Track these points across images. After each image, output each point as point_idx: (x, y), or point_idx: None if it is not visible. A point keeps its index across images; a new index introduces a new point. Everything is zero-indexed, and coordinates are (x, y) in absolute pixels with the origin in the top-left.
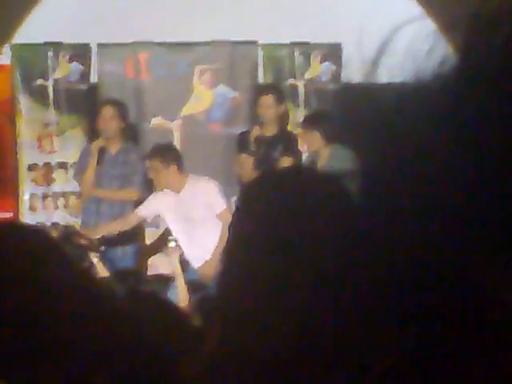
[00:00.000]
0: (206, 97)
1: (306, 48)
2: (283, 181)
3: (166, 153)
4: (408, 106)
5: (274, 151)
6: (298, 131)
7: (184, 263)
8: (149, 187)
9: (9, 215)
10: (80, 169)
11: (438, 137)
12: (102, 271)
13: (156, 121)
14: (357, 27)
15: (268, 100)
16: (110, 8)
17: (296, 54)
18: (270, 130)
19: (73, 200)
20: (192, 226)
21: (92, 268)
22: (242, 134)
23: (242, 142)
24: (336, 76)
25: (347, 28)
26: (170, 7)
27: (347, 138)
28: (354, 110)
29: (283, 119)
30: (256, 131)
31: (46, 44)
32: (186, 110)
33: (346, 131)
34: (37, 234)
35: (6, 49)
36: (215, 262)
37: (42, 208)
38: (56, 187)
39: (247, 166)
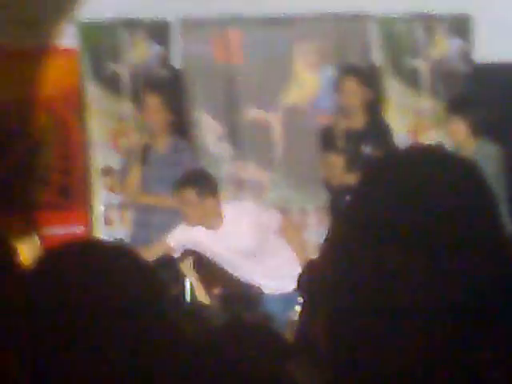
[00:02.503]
0: (310, 82)
1: (429, 21)
2: (410, 162)
3: (203, 182)
4: None
5: (366, 145)
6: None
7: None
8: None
9: (80, 230)
10: (122, 172)
11: None
12: (202, 296)
13: (251, 113)
14: None
15: (350, 84)
16: None
17: (417, 28)
18: (358, 122)
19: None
20: (254, 259)
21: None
22: (326, 129)
23: (326, 139)
24: (466, 54)
25: None
26: None
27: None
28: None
29: (373, 107)
30: (341, 124)
31: (118, 21)
32: (287, 99)
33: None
34: (122, 254)
35: (71, 28)
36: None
37: (119, 221)
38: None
39: (336, 167)
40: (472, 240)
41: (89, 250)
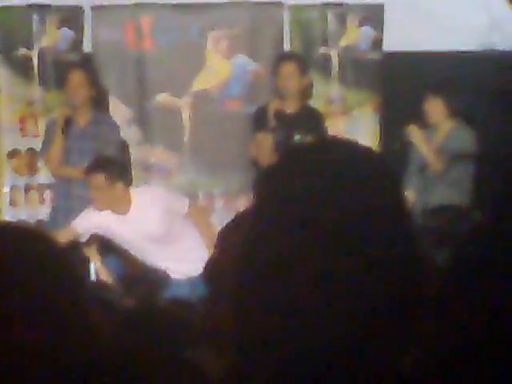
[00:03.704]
0: (221, 69)
1: (340, 9)
2: (317, 156)
3: (112, 167)
4: None
5: (296, 130)
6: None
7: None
8: (125, 161)
9: None
10: (44, 144)
11: None
12: (105, 276)
13: (162, 98)
14: None
15: (289, 69)
16: None
17: (329, 16)
18: (292, 106)
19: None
20: (161, 244)
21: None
22: (260, 109)
23: (259, 119)
24: (377, 43)
25: None
26: None
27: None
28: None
29: (306, 93)
30: (275, 105)
31: (30, 6)
32: (197, 85)
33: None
34: (35, 236)
35: None
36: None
37: (24, 202)
38: (41, 178)
39: (265, 146)
40: (379, 232)
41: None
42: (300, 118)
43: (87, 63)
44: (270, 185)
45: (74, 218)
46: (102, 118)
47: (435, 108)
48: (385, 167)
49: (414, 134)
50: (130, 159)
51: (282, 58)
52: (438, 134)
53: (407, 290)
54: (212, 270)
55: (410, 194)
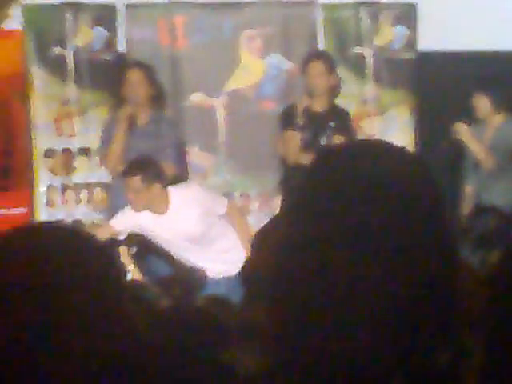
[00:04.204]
0: (255, 68)
1: (373, 8)
2: (351, 159)
3: (148, 169)
4: None
5: (325, 128)
6: None
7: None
8: (183, 162)
9: (22, 211)
10: (105, 142)
11: None
12: (139, 277)
13: (196, 97)
14: None
15: (318, 68)
16: None
17: (362, 15)
18: (320, 104)
19: (98, 193)
20: (199, 244)
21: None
22: (288, 107)
23: (287, 117)
24: (410, 42)
25: None
26: None
27: None
28: None
29: (335, 91)
30: (304, 103)
31: (63, 4)
32: (231, 84)
33: None
34: (74, 235)
35: (16, 11)
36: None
37: (61, 202)
38: (78, 177)
39: (294, 145)
40: (415, 237)
41: (36, 232)
42: (328, 117)
43: (144, 62)
44: (305, 188)
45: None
46: (161, 116)
47: (483, 104)
48: (420, 169)
49: (462, 131)
50: (186, 159)
51: (311, 56)
52: (488, 130)
53: (442, 299)
54: (248, 272)
55: (469, 190)
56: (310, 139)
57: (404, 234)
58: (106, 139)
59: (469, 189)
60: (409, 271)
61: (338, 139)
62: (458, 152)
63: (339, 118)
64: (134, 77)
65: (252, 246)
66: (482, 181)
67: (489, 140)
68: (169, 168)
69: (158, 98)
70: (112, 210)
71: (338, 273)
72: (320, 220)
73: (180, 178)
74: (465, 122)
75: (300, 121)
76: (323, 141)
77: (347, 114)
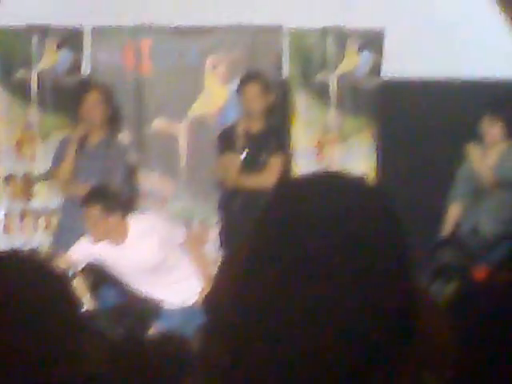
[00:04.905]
0: (219, 94)
1: (340, 34)
2: (315, 189)
3: (108, 198)
4: None
5: (263, 149)
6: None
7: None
8: (132, 185)
9: None
10: (55, 162)
11: None
12: (93, 307)
13: (159, 122)
14: (401, 9)
15: (253, 89)
16: None
17: (328, 41)
18: (257, 125)
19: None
20: (156, 273)
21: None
22: (225, 130)
23: (225, 140)
24: (376, 69)
25: (390, 11)
26: None
27: None
28: None
29: (271, 112)
30: (241, 125)
31: (29, 27)
32: (195, 110)
33: None
34: (31, 264)
35: None
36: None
37: (19, 229)
38: (37, 203)
39: (233, 167)
40: (373, 267)
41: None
42: (266, 137)
43: (102, 84)
44: (264, 220)
45: (79, 236)
46: (112, 140)
47: (494, 129)
48: (379, 199)
49: (473, 152)
50: (135, 186)
51: (246, 78)
52: (493, 153)
53: (401, 325)
54: (210, 301)
55: (456, 210)
56: (249, 160)
57: (362, 264)
58: (57, 159)
59: (457, 208)
60: (368, 302)
61: (275, 159)
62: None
63: (276, 138)
64: (91, 98)
65: (216, 274)
66: (478, 200)
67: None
68: (116, 190)
69: (113, 121)
70: (61, 231)
71: (297, 302)
72: (279, 250)
73: (128, 201)
74: (473, 142)
75: (238, 143)
76: (262, 161)
77: (285, 132)
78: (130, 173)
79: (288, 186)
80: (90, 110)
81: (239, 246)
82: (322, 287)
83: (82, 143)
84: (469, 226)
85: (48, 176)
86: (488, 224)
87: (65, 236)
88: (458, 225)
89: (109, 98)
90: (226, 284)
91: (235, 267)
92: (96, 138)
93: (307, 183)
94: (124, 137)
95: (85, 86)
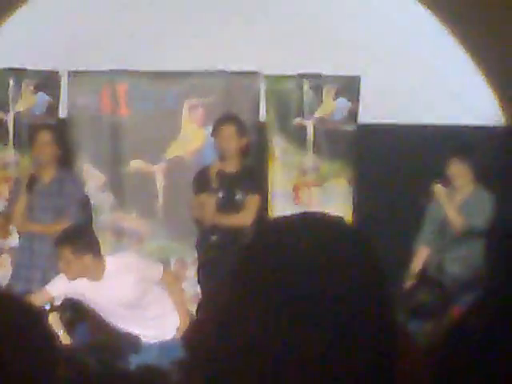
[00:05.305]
0: (196, 136)
1: (316, 81)
2: (296, 231)
3: (79, 240)
4: None
5: (238, 189)
6: None
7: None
8: (86, 220)
9: None
10: (10, 202)
11: None
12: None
13: (135, 163)
14: (376, 57)
15: (228, 131)
16: (83, 29)
17: (305, 87)
18: (232, 166)
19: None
20: (134, 309)
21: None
22: (201, 171)
23: (201, 180)
24: (352, 115)
25: (365, 58)
26: (154, 29)
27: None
28: None
29: (245, 153)
30: (216, 167)
31: (6, 70)
32: (172, 152)
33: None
34: (7, 299)
35: None
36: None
37: None
38: (15, 241)
39: (209, 207)
40: (355, 307)
41: None
42: (241, 177)
43: (51, 124)
44: (246, 261)
45: (37, 275)
46: (66, 175)
47: (460, 171)
48: (358, 238)
49: (439, 191)
50: (92, 218)
51: (222, 120)
52: (459, 195)
53: (384, 363)
54: (189, 337)
55: (425, 251)
56: (225, 200)
57: (344, 302)
58: (12, 198)
59: (425, 250)
60: (348, 340)
61: (251, 199)
62: (419, 214)
63: (251, 178)
64: (41, 137)
65: (196, 311)
66: (445, 244)
67: (458, 203)
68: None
69: (63, 158)
70: (16, 270)
71: (279, 341)
72: (261, 290)
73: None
74: (441, 184)
75: (214, 184)
76: (237, 201)
77: (260, 173)
78: (86, 206)
79: (269, 225)
80: (40, 149)
81: (219, 285)
82: (304, 326)
83: (33, 182)
84: (436, 269)
85: (3, 215)
86: (455, 269)
87: (21, 274)
88: (425, 267)
89: (58, 136)
90: (207, 323)
91: (216, 306)
92: (48, 175)
93: (288, 223)
94: (100, 178)
95: (35, 126)
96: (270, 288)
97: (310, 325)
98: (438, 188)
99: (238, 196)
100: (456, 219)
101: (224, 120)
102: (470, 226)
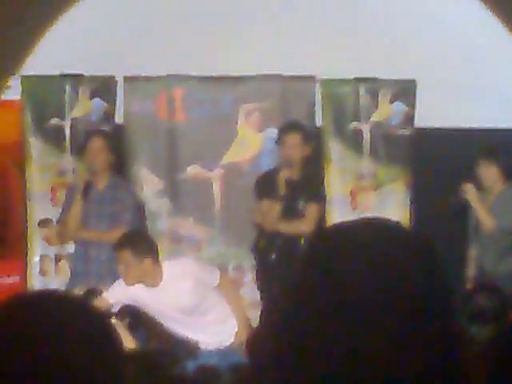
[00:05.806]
0: (253, 142)
1: (373, 85)
2: (357, 236)
3: (140, 243)
4: None
5: (301, 197)
6: None
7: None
8: (142, 228)
9: (14, 280)
10: (64, 209)
11: None
12: (131, 346)
13: (192, 170)
14: (433, 61)
15: (294, 138)
16: (139, 35)
17: (361, 91)
18: (296, 174)
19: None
20: (192, 315)
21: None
22: (264, 176)
23: (264, 186)
24: (408, 119)
25: (421, 62)
26: (210, 34)
27: None
28: None
29: (308, 161)
30: (285, 174)
31: (63, 76)
32: (228, 158)
33: None
34: (72, 304)
35: (16, 81)
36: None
37: (54, 272)
38: (72, 248)
39: (272, 213)
40: (420, 312)
41: (35, 300)
42: (303, 185)
43: (104, 131)
44: (306, 267)
45: (93, 282)
46: (119, 182)
47: (487, 174)
48: (420, 241)
49: (469, 191)
50: (147, 225)
51: (287, 128)
52: (489, 197)
53: (443, 366)
54: (253, 343)
55: (472, 253)
56: (288, 207)
57: (408, 307)
58: (66, 206)
59: (473, 252)
60: (413, 345)
61: (313, 207)
62: (463, 214)
63: (312, 185)
64: (94, 144)
65: (260, 317)
66: (482, 244)
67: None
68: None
69: (116, 165)
70: (73, 277)
71: (339, 347)
72: (323, 296)
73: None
74: (473, 184)
75: (281, 191)
76: (299, 209)
77: (320, 181)
78: (141, 213)
79: (329, 231)
80: (93, 157)
81: (280, 293)
82: (367, 333)
83: (88, 189)
84: (477, 268)
85: (59, 224)
86: (494, 267)
87: (77, 280)
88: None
89: (111, 143)
90: (268, 329)
91: (277, 314)
92: (102, 182)
93: (348, 229)
94: (157, 184)
95: (87, 134)
96: (332, 294)
97: (374, 331)
98: (468, 187)
99: (300, 204)
100: (487, 220)
101: (289, 128)
102: (502, 226)
